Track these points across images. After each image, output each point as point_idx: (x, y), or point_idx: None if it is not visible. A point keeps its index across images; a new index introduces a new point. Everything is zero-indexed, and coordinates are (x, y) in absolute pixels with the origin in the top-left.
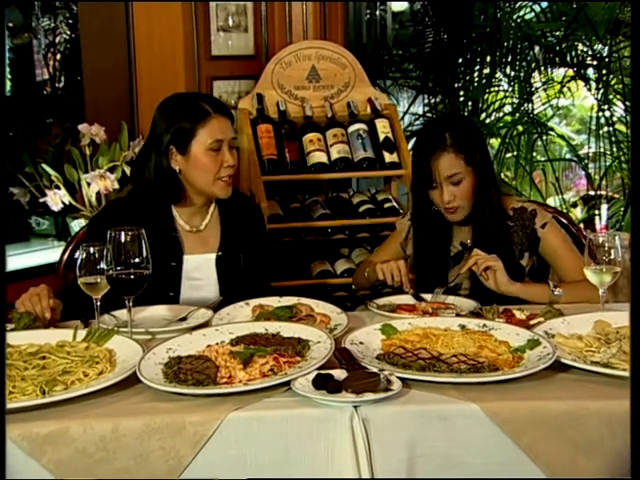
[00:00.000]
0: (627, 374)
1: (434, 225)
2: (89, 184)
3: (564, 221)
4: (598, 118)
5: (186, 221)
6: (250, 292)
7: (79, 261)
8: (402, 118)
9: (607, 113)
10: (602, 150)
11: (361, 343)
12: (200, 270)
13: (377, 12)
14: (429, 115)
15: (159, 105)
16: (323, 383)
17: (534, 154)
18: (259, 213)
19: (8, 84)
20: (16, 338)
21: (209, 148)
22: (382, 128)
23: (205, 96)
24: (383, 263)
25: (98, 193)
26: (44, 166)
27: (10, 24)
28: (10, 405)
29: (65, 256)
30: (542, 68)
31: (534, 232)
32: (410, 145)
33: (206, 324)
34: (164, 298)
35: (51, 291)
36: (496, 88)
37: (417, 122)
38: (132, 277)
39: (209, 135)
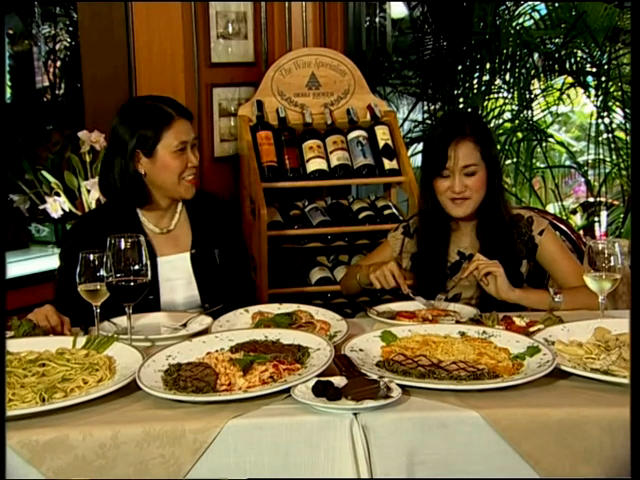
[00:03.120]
0: (627, 381)
1: (434, 232)
2: (89, 191)
3: (564, 228)
4: (597, 125)
5: (154, 224)
6: (230, 288)
7: (79, 268)
8: (402, 125)
9: (606, 120)
10: (601, 157)
11: (361, 350)
12: (176, 270)
13: (377, 19)
14: (429, 122)
15: (119, 111)
16: (323, 390)
17: (534, 161)
18: (229, 208)
19: (8, 91)
20: (16, 345)
21: (175, 150)
22: (382, 135)
23: (165, 99)
24: (375, 270)
25: (98, 200)
26: (44, 173)
27: (10, 31)
28: (10, 412)
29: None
30: (541, 75)
31: (532, 239)
32: (410, 152)
33: (206, 331)
34: (144, 302)
35: (56, 310)
36: (495, 95)
37: (417, 129)
38: (132, 284)
39: (175, 138)
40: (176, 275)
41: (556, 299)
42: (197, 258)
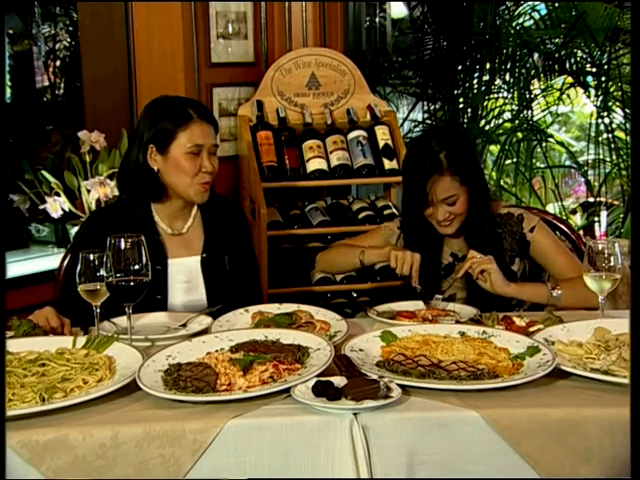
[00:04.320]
0: (627, 381)
1: (425, 237)
2: (89, 191)
3: (564, 228)
4: (597, 125)
5: (168, 224)
6: (238, 293)
7: (79, 268)
8: (402, 125)
9: (606, 120)
10: (601, 157)
11: (361, 350)
12: (186, 273)
13: (377, 19)
14: (428, 122)
15: (145, 106)
16: (323, 390)
17: (534, 161)
18: (242, 215)
19: (8, 91)
20: (16, 345)
21: (188, 152)
22: (382, 135)
23: (191, 101)
24: (398, 250)
25: (98, 200)
26: (44, 173)
27: (10, 31)
28: (10, 412)
29: (65, 263)
30: (541, 75)
31: (523, 237)
32: None
33: (206, 331)
34: (152, 302)
35: (56, 312)
36: (495, 95)
37: (417, 129)
38: (132, 284)
39: (189, 139)
40: (185, 278)
41: (554, 294)
42: (207, 262)
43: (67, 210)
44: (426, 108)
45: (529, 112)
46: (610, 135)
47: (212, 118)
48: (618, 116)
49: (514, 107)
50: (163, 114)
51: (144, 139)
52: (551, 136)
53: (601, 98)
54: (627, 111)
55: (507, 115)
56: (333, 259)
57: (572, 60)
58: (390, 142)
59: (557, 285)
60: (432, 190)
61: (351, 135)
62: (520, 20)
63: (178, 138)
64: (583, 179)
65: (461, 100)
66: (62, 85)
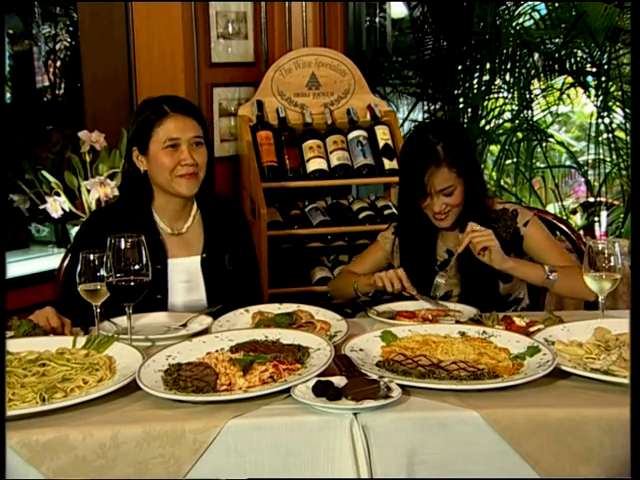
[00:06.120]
0: (627, 381)
1: (420, 233)
2: (89, 191)
3: (564, 228)
4: (597, 125)
5: (168, 224)
6: (238, 293)
7: (79, 268)
8: (402, 125)
9: (606, 120)
10: (601, 157)
11: (361, 350)
12: (186, 273)
13: (377, 19)
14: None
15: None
16: (323, 390)
17: (534, 161)
18: (242, 214)
19: (8, 91)
20: (16, 345)
21: (165, 147)
22: (382, 135)
23: (168, 97)
24: (381, 272)
25: (98, 200)
26: (44, 173)
27: (10, 31)
28: (10, 412)
29: (65, 263)
30: (541, 75)
31: (517, 231)
32: None
33: (206, 331)
34: (152, 301)
35: (56, 312)
36: (495, 95)
37: None
38: (132, 284)
39: (164, 134)
40: (185, 278)
41: (550, 277)
42: (207, 262)
43: (67, 210)
44: (426, 108)
45: (529, 112)
46: (610, 135)
47: (190, 110)
48: (618, 116)
49: (514, 107)
50: (138, 116)
51: (127, 144)
52: (551, 136)
53: (601, 98)
54: (627, 111)
55: (507, 115)
56: (340, 290)
57: (572, 60)
58: (390, 142)
59: (555, 270)
60: (429, 181)
61: (351, 135)
62: (520, 20)
63: (155, 135)
64: (583, 179)
65: (461, 100)
66: (62, 85)
